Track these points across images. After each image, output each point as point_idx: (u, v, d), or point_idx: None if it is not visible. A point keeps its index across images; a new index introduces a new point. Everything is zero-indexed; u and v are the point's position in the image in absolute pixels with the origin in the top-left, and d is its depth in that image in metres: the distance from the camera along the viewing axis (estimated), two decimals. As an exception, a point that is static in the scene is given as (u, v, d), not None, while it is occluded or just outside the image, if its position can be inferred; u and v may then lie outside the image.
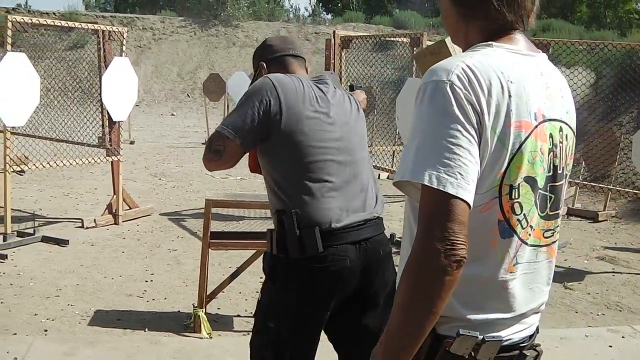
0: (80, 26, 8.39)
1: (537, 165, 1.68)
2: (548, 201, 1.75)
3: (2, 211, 7.05)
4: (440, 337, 1.66)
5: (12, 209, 7.15)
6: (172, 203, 9.06)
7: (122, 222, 7.96)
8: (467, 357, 1.67)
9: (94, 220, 7.82)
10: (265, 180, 2.91)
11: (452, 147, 1.54)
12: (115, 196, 7.97)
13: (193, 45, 25.38)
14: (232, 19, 27.38)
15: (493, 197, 1.64)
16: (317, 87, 2.91)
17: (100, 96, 7.75)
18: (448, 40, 2.77)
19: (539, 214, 1.73)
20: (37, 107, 7.35)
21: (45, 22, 7.68)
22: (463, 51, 1.79)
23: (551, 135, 1.72)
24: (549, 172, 1.72)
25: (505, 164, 1.62)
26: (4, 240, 6.93)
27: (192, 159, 12.79)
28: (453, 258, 1.50)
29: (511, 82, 1.62)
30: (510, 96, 1.61)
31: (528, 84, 1.67)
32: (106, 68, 7.74)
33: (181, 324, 5.09)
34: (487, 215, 1.65)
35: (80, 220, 7.93)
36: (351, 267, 2.75)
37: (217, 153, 2.81)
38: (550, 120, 1.71)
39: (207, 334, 4.90)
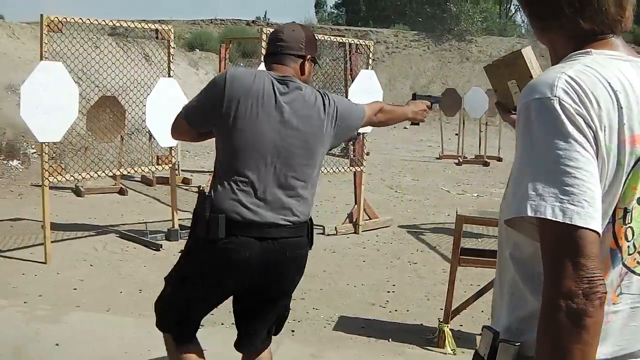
0: (329, 39, 8.62)
1: None
2: None
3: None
4: None
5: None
6: (410, 216, 9.09)
7: (362, 231, 8.10)
8: None
9: (335, 228, 8.02)
10: None
11: (572, 171, 1.36)
12: (356, 206, 8.11)
13: (426, 60, 25.49)
14: (466, 34, 27.23)
15: (607, 223, 1.44)
16: (274, 86, 2.99)
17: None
18: (525, 50, 2.48)
19: None
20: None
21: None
22: (554, 65, 1.59)
23: None
24: None
25: (622, 185, 1.43)
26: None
27: (427, 173, 12.79)
28: (594, 297, 1.32)
29: (619, 92, 1.44)
30: (620, 107, 1.42)
31: (636, 93, 1.46)
32: (352, 80, 7.90)
33: (424, 337, 5.06)
34: (604, 243, 1.45)
35: (321, 227, 8.15)
36: (249, 259, 2.92)
37: (176, 126, 3.20)
38: None
39: (451, 350, 4.83)
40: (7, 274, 6.21)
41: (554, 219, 1.34)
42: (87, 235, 7.56)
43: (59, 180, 6.73)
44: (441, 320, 4.93)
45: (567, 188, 1.35)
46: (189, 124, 3.13)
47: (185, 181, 11.21)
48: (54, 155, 10.52)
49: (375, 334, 5.08)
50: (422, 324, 5.31)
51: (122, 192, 10.20)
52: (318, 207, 9.53)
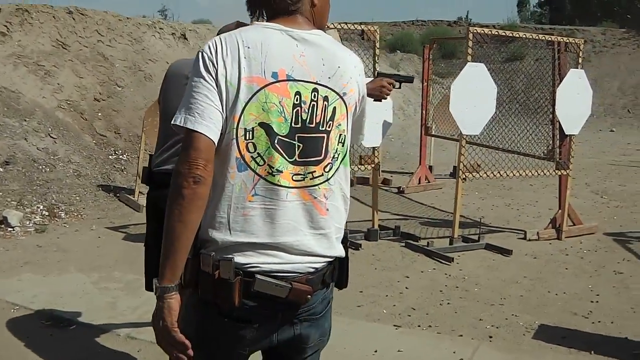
0: (535, 37, 8.35)
1: (274, 114, 2.06)
2: (296, 149, 2.09)
3: (451, 216, 7.34)
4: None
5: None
6: (617, 223, 8.62)
7: (565, 237, 7.78)
8: (211, 273, 2.05)
9: (537, 233, 7.77)
10: None
11: (195, 95, 2.04)
12: (560, 211, 7.82)
13: (636, 59, 24.07)
14: (680, 31, 25.49)
15: (232, 138, 2.04)
16: None
17: (553, 109, 7.68)
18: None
19: (286, 159, 2.08)
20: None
21: (504, 34, 7.82)
22: None
23: (298, 93, 2.09)
24: (296, 123, 2.09)
25: (240, 111, 2.04)
26: (450, 243, 7.21)
27: (636, 178, 12.07)
28: (189, 176, 1.96)
29: (248, 47, 2.07)
30: (245, 58, 2.05)
31: (271, 51, 2.08)
32: (560, 80, 7.64)
33: (629, 352, 4.78)
34: (229, 152, 2.05)
35: (522, 232, 7.95)
36: None
37: None
38: (297, 80, 2.09)
39: (660, 366, 4.57)
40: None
41: (179, 124, 2.02)
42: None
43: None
44: (649, 334, 4.64)
45: (190, 105, 2.03)
46: None
47: (385, 182, 11.28)
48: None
49: (577, 346, 4.86)
50: (627, 338, 5.01)
51: (322, 191, 10.39)
52: (520, 212, 9.33)
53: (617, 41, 25.39)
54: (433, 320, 5.31)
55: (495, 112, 7.68)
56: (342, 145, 2.20)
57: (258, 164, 2.06)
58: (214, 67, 2.05)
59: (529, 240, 7.71)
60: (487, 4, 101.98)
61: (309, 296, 2.14)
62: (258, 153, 2.06)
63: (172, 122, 2.05)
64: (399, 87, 4.52)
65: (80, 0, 16.23)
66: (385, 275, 6.40)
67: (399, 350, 4.69)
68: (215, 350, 2.18)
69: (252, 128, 2.05)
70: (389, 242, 7.56)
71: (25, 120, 9.72)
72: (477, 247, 7.30)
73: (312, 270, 2.16)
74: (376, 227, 7.64)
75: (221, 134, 2.05)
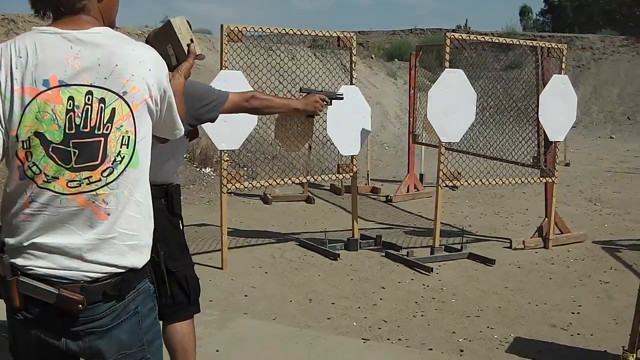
0: (517, 43, 8.20)
1: (47, 123, 2.02)
2: (72, 155, 2.04)
3: (432, 224, 7.16)
4: None
5: (442, 223, 7.22)
6: (607, 231, 8.42)
7: (552, 246, 7.57)
8: None
9: (523, 241, 7.58)
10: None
11: None
12: (547, 219, 7.62)
13: (635, 66, 23.87)
14: (682, 38, 25.27)
15: (14, 149, 2.03)
16: None
17: (537, 115, 7.49)
18: (175, 20, 2.91)
19: (62, 166, 2.04)
20: (472, 125, 7.33)
21: (482, 39, 7.68)
22: None
23: (71, 98, 2.03)
24: (70, 130, 2.03)
25: (17, 124, 2.01)
26: (431, 253, 7.02)
27: (632, 186, 11.87)
28: None
29: (20, 57, 2.02)
30: (16, 68, 2.01)
31: (44, 57, 2.02)
32: (544, 86, 7.45)
33: (610, 365, 4.60)
34: (14, 162, 2.05)
35: (508, 241, 7.76)
36: None
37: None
38: (69, 85, 2.02)
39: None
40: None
41: None
42: (267, 243, 7.63)
43: (237, 188, 6.81)
44: (626, 348, 4.42)
45: None
46: None
47: (374, 190, 11.10)
48: (245, 163, 10.81)
49: (553, 359, 4.68)
50: (606, 351, 4.81)
51: (309, 200, 10.25)
52: (508, 220, 9.14)
53: (617, 48, 25.22)
54: (404, 333, 5.12)
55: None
56: (127, 147, 2.11)
57: (35, 173, 2.05)
58: None
59: (515, 249, 7.52)
60: (487, 12, 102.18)
61: (80, 306, 2.07)
62: (34, 162, 2.04)
63: None
64: (330, 104, 4.80)
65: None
66: (360, 287, 6.20)
67: (364, 365, 4.52)
68: (19, 350, 2.24)
69: (29, 138, 2.03)
70: (369, 252, 7.36)
71: (5, 131, 9.60)
72: (459, 256, 7.09)
73: (89, 279, 2.10)
74: (356, 236, 7.45)
75: (7, 147, 2.06)
